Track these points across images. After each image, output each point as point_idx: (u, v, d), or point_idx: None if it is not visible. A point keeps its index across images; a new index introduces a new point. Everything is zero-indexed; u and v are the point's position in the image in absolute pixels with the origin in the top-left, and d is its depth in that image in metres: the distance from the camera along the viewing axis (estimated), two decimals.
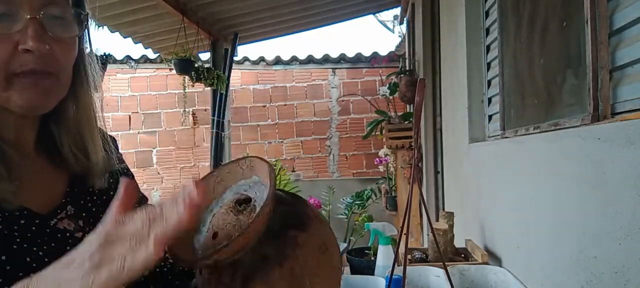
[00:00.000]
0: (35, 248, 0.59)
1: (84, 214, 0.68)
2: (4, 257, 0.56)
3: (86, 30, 0.69)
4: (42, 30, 0.58)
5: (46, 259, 0.60)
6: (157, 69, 6.01)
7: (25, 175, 0.64)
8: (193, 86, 4.42)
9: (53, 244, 0.62)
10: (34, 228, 0.61)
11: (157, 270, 0.78)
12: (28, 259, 0.58)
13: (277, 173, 5.34)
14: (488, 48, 1.82)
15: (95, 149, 0.70)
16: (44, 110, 0.63)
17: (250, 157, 0.50)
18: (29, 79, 0.58)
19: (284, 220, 0.48)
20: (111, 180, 0.74)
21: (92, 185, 0.70)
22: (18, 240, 0.58)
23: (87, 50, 0.70)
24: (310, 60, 6.07)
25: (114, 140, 0.81)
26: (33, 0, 0.58)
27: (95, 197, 0.72)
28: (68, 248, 0.63)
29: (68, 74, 0.64)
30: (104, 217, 0.47)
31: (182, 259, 0.46)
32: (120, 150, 0.83)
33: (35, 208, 0.62)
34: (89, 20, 0.68)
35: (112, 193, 0.73)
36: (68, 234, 0.64)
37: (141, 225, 0.44)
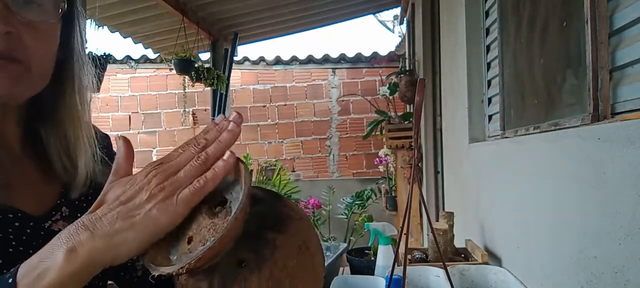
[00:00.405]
0: (31, 251, 0.59)
1: (79, 215, 0.67)
2: (0, 261, 0.55)
3: (77, 27, 0.66)
4: (6, 12, 0.53)
5: None
6: (157, 69, 6.01)
7: (15, 176, 0.62)
8: (193, 86, 4.43)
9: None
10: (28, 230, 0.60)
11: (135, 278, 0.77)
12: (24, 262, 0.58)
13: (277, 173, 5.35)
14: (488, 48, 1.82)
15: (81, 153, 0.67)
16: (14, 101, 0.59)
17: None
18: None
19: (261, 221, 0.47)
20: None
21: (75, 195, 0.67)
22: (14, 243, 0.57)
23: (78, 48, 0.67)
24: (310, 60, 6.08)
25: (106, 137, 0.79)
26: None
27: (90, 198, 0.70)
28: None
29: (43, 65, 0.60)
30: (111, 176, 0.48)
31: (157, 265, 0.45)
32: (114, 149, 0.81)
33: (28, 210, 0.61)
34: (74, 9, 0.64)
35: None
36: None
37: (157, 183, 0.45)
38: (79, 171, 0.66)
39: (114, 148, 0.84)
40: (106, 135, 0.80)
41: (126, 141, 0.51)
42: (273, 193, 0.53)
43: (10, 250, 0.57)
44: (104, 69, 2.84)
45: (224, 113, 4.74)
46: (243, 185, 0.45)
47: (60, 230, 0.63)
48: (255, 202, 0.48)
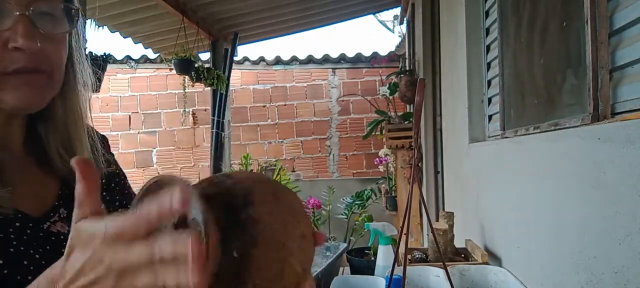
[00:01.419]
0: (32, 251, 0.59)
1: None
2: (1, 261, 0.55)
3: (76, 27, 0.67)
4: (32, 27, 0.56)
5: (44, 262, 0.59)
6: (157, 69, 6.01)
7: (15, 177, 0.62)
8: (193, 86, 4.42)
9: (48, 247, 0.61)
10: (28, 231, 0.60)
11: None
12: (26, 262, 0.58)
13: (277, 173, 5.35)
14: (488, 48, 1.82)
15: (82, 150, 0.68)
16: (38, 108, 0.61)
17: (159, 178, 0.40)
18: (21, 77, 0.57)
19: (228, 239, 0.39)
20: (103, 181, 0.72)
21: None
22: (15, 243, 0.58)
23: (76, 47, 0.68)
24: (310, 60, 6.08)
25: (104, 139, 0.79)
26: None
27: None
28: (63, 250, 0.63)
29: (61, 71, 0.62)
30: (76, 209, 0.39)
31: None
32: (120, 150, 0.81)
33: (28, 211, 0.61)
34: (80, 15, 0.65)
35: (103, 193, 0.72)
36: (62, 237, 0.63)
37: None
38: None
39: (112, 151, 0.84)
40: (104, 136, 0.80)
41: (84, 166, 0.40)
42: (220, 182, 0.44)
43: (11, 250, 0.57)
44: (104, 69, 2.83)
45: (224, 113, 4.74)
46: (201, 215, 0.37)
47: (59, 231, 0.63)
48: (211, 202, 0.40)
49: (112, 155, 0.81)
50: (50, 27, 0.59)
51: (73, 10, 0.62)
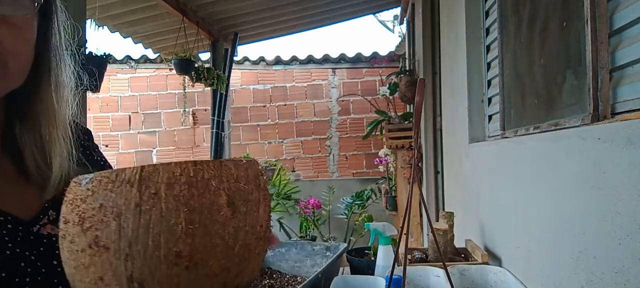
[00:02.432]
0: (27, 253, 0.58)
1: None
2: None
3: (55, 21, 0.63)
4: None
5: (39, 264, 0.59)
6: (157, 69, 6.01)
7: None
8: (193, 86, 4.43)
9: (41, 249, 0.60)
10: (21, 234, 0.59)
11: None
12: (23, 264, 0.57)
13: (277, 173, 5.35)
14: (488, 48, 1.82)
15: (56, 153, 0.64)
16: None
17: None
18: None
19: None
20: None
21: (47, 197, 0.64)
22: (10, 245, 0.57)
23: (55, 44, 0.64)
24: (310, 60, 6.08)
25: (87, 132, 0.77)
26: None
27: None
28: (57, 252, 0.63)
29: (20, 60, 0.57)
30: None
31: None
32: (120, 150, 0.79)
33: (16, 213, 0.60)
34: (55, 7, 0.61)
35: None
36: (54, 239, 0.62)
37: None
38: (54, 172, 0.63)
39: (98, 143, 0.82)
40: (87, 130, 0.77)
41: None
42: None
43: (8, 252, 0.57)
44: (104, 69, 2.83)
45: (224, 113, 4.74)
46: None
47: (49, 233, 0.62)
48: None
49: (97, 148, 0.77)
50: (6, 10, 0.53)
51: None
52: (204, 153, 5.91)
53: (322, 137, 6.08)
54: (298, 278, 1.72)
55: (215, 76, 4.32)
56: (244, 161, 0.34)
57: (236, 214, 0.32)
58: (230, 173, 0.32)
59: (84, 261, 0.31)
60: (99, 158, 0.77)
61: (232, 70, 4.97)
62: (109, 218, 0.30)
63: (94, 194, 0.31)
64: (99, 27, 3.83)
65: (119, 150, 5.93)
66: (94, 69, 2.59)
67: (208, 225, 0.30)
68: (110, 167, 0.78)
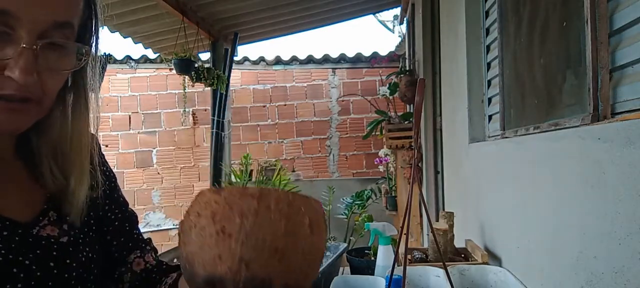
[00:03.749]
0: (21, 258, 0.58)
1: (67, 218, 0.66)
2: None
3: (93, 43, 0.65)
4: (33, 62, 0.53)
5: (34, 267, 0.59)
6: (157, 69, 6.01)
7: (3, 185, 0.62)
8: (193, 86, 4.43)
9: (38, 252, 0.60)
10: (17, 238, 0.59)
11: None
12: (15, 270, 0.57)
13: (277, 173, 5.35)
14: (488, 48, 1.82)
15: (80, 177, 0.65)
16: (19, 132, 0.59)
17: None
18: (7, 103, 0.54)
19: None
20: (93, 183, 0.70)
21: (66, 212, 0.65)
22: (3, 251, 0.57)
23: (90, 74, 0.66)
24: (310, 60, 6.08)
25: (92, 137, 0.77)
26: (36, 24, 0.52)
27: (90, 220, 0.71)
28: (54, 254, 0.63)
29: (51, 99, 0.60)
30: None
31: None
32: (120, 150, 0.80)
33: (15, 216, 0.60)
34: (91, 52, 0.63)
35: (95, 194, 0.72)
36: (53, 240, 0.63)
37: None
38: (71, 185, 0.65)
39: (113, 150, 0.82)
40: (92, 135, 0.76)
41: None
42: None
43: (1, 259, 0.56)
44: (104, 69, 2.83)
45: (224, 113, 4.74)
46: None
47: (48, 235, 0.63)
48: None
49: (102, 156, 0.79)
50: (56, 63, 0.56)
51: (84, 50, 0.60)
52: (204, 153, 5.91)
53: (322, 137, 6.08)
54: None
55: (215, 76, 4.32)
56: (318, 201, 0.49)
57: (313, 234, 0.46)
58: (312, 206, 0.47)
59: (210, 242, 0.44)
60: (104, 168, 0.77)
61: (232, 70, 4.97)
62: (234, 216, 0.44)
63: (226, 199, 0.45)
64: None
65: (119, 150, 5.93)
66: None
67: (296, 235, 0.45)
68: (111, 172, 0.80)
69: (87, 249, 0.68)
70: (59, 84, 0.59)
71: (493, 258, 1.44)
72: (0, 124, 0.55)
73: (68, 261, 0.64)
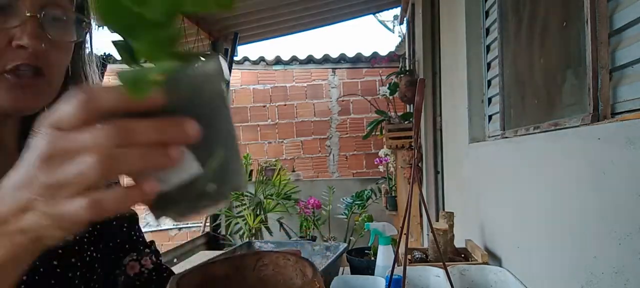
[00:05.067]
0: None
1: None
2: None
3: (88, 31, 0.67)
4: (40, 29, 0.56)
5: (37, 262, 0.59)
6: None
7: (4, 175, 0.62)
8: None
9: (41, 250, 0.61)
10: None
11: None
12: None
13: (277, 173, 5.35)
14: (488, 48, 1.82)
15: None
16: (31, 112, 0.60)
17: None
18: (18, 79, 0.56)
19: None
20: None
21: None
22: None
23: (87, 60, 0.68)
24: (310, 60, 6.07)
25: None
26: None
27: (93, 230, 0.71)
28: (59, 252, 0.63)
29: (60, 78, 0.62)
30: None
31: None
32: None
33: None
34: (91, 26, 0.65)
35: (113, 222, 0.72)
36: None
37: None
38: None
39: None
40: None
41: None
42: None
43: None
44: (104, 69, 2.83)
45: None
46: None
47: None
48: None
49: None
50: (59, 34, 0.58)
51: (84, 22, 0.62)
52: None
53: (322, 137, 6.08)
54: None
55: None
56: (311, 262, 0.57)
57: (304, 285, 0.55)
58: (303, 264, 0.57)
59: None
60: None
61: (232, 70, 4.97)
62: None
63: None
64: (99, 27, 3.82)
65: None
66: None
67: (287, 283, 0.58)
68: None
69: (92, 248, 0.68)
70: (64, 60, 0.61)
71: (493, 258, 1.44)
72: (13, 101, 0.56)
73: (72, 260, 0.64)
